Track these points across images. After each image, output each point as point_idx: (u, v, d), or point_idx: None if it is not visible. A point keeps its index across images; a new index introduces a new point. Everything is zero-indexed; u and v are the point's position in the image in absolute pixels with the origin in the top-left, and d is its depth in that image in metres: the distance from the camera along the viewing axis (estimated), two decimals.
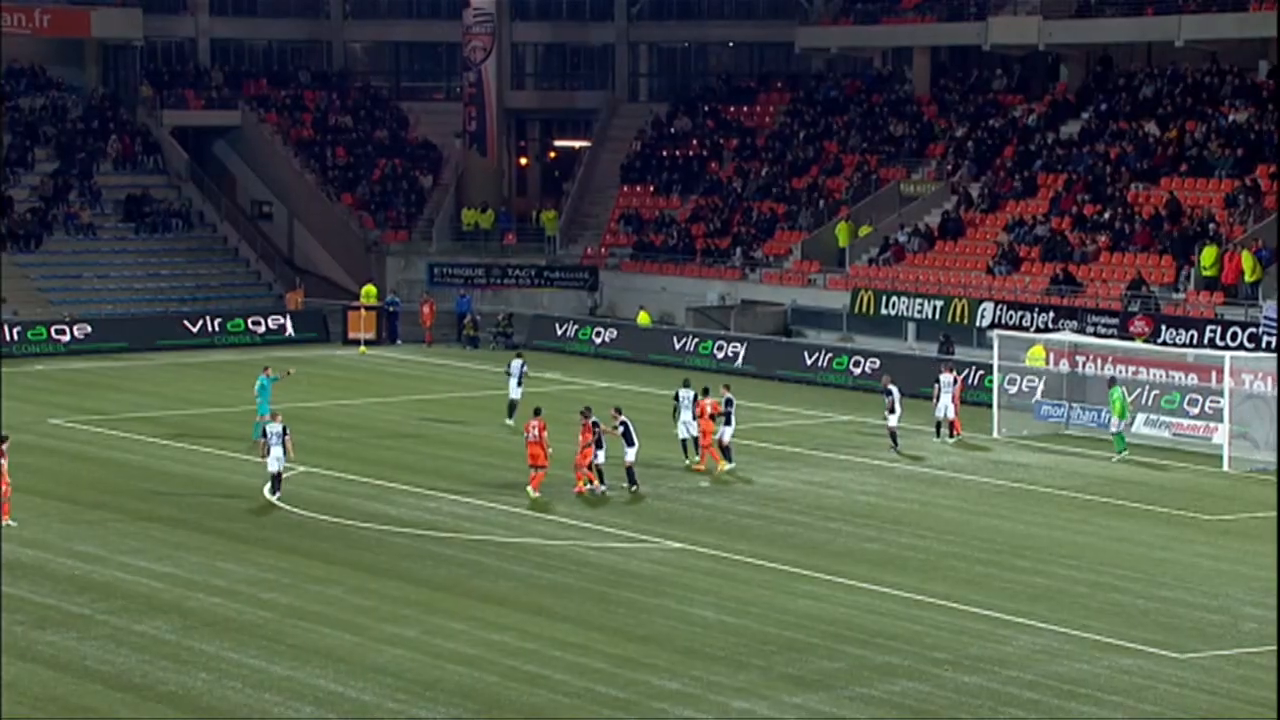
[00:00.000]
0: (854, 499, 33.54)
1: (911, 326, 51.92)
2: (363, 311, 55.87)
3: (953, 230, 55.13)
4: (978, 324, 49.69)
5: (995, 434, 39.39)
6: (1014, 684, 22.33)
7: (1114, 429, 37.31)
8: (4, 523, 29.71)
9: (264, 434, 32.23)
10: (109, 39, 66.40)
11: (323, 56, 71.43)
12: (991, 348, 41.83)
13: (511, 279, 61.51)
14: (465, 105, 65.98)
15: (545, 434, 32.71)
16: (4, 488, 29.71)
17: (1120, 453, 37.02)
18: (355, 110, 69.16)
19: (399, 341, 55.89)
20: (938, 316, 51.10)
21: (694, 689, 22.10)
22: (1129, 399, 37.54)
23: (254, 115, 66.83)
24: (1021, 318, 48.87)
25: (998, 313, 49.58)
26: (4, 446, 29.93)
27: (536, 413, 33.37)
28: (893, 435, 37.42)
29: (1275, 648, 22.56)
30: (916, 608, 25.80)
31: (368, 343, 54.83)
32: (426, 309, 54.65)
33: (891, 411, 37.29)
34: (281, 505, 31.37)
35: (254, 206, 67.54)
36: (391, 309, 56.65)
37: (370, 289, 57.88)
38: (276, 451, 31.79)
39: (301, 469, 35.13)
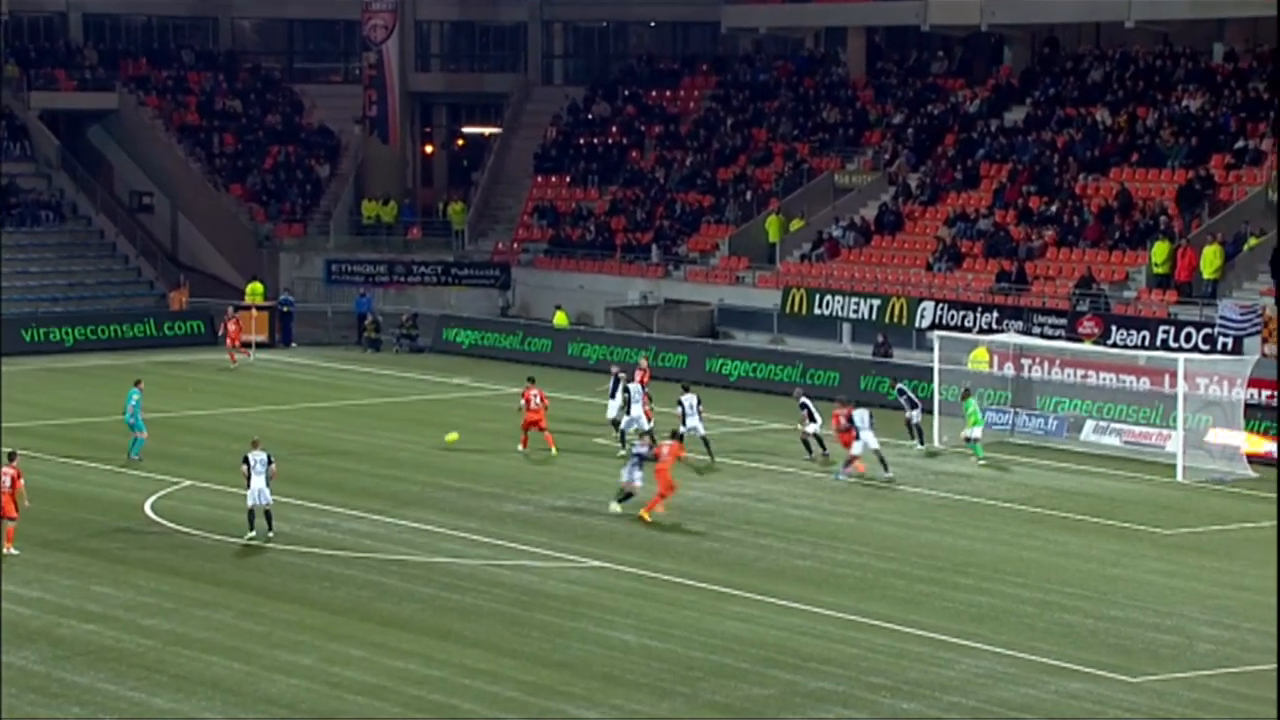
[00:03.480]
0: (786, 513, 33.71)
1: (847, 327, 52.25)
2: (253, 312, 55.53)
3: (890, 224, 55.52)
4: (917, 324, 50.07)
5: (936, 442, 39.72)
6: (956, 710, 22.54)
7: (972, 437, 38.21)
8: (5, 550, 29.22)
9: (245, 461, 30.21)
10: None
11: (208, 34, 70.92)
12: (932, 350, 42.15)
13: (416, 277, 61.28)
14: (365, 88, 65.75)
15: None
16: (13, 511, 29.18)
17: (980, 457, 38.22)
18: (245, 93, 68.71)
19: (293, 344, 55.60)
20: (875, 317, 51.44)
21: (615, 717, 22.13)
22: (979, 408, 38.77)
23: (132, 98, 66.20)
24: (964, 318, 49.28)
25: (938, 313, 49.98)
26: (15, 464, 29.53)
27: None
28: (808, 442, 37.77)
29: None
30: (853, 629, 25.96)
31: (259, 345, 54.48)
32: (233, 325, 51.99)
33: (812, 420, 37.56)
34: (269, 545, 30.30)
35: (133, 198, 66.89)
36: (285, 309, 56.35)
37: (257, 286, 57.49)
38: (258, 483, 30.04)
39: (187, 483, 34.84)
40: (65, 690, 22.88)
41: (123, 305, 57.80)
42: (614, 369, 40.65)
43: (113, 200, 64.47)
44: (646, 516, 32.37)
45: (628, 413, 38.58)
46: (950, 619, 26.55)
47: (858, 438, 36.26)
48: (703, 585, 28.34)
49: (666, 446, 33.05)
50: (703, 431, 38.06)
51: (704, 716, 22.26)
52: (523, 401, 38.84)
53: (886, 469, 36.27)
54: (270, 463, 30.51)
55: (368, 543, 31.01)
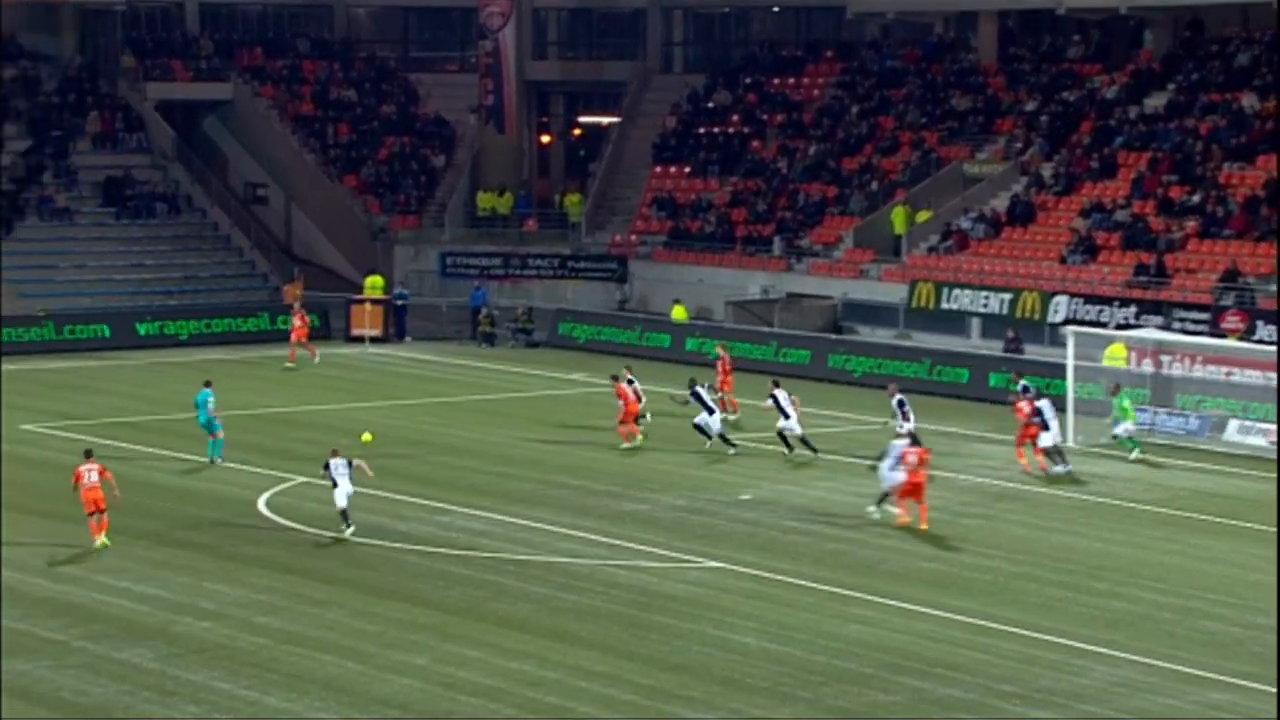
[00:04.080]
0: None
1: (976, 322, 51.84)
2: (368, 306, 56.06)
3: (1022, 215, 55.01)
4: (1050, 320, 49.60)
5: (1070, 442, 39.28)
6: None
7: (1124, 433, 38.14)
8: (98, 542, 29.90)
9: (326, 467, 31.08)
10: (87, 3, 66.71)
11: (323, 23, 71.64)
12: (1065, 346, 41.71)
13: (532, 270, 61.51)
14: (481, 77, 66.08)
15: None
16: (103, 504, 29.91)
17: (1133, 450, 38.06)
18: (359, 83, 69.36)
19: (407, 338, 56.07)
20: (1005, 311, 51.03)
21: None
22: (1132, 404, 38.66)
23: (247, 88, 67.09)
24: (1099, 313, 48.79)
25: (1072, 307, 49.50)
26: (92, 460, 30.33)
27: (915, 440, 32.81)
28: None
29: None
30: (981, 635, 25.74)
31: (374, 340, 55.01)
32: (298, 320, 51.28)
33: (906, 419, 37.36)
34: (383, 544, 30.60)
35: (247, 189, 67.79)
36: (400, 302, 56.84)
37: (376, 280, 58.06)
38: (345, 485, 30.87)
39: (300, 479, 35.26)
40: (179, 688, 23.23)
41: (237, 299, 58.58)
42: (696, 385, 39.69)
43: (227, 192, 65.37)
44: (925, 527, 31.72)
45: (785, 417, 38.17)
46: (1084, 625, 26.26)
47: (1046, 428, 36.15)
48: (824, 588, 28.24)
49: (913, 454, 31.90)
50: (799, 430, 38.12)
51: None
52: (619, 401, 39.05)
53: (1065, 460, 36.50)
54: (351, 465, 30.99)
55: (483, 541, 31.20)
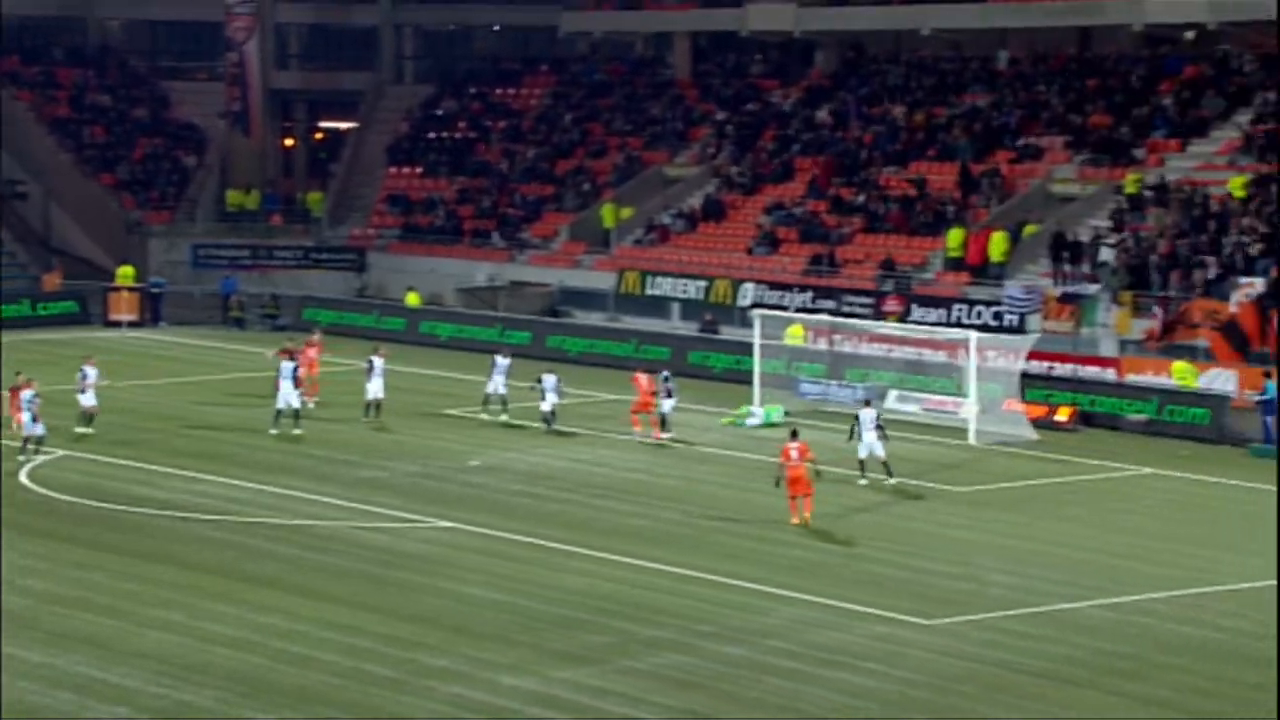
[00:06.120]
0: (621, 476, 33.77)
1: (676, 306, 52.47)
2: (124, 293, 54.38)
3: (714, 212, 55.81)
4: (740, 304, 50.43)
5: (756, 405, 39.99)
6: (775, 654, 22.76)
7: (752, 422, 38.27)
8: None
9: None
10: None
11: (78, 34, 69.07)
12: (753, 327, 42.50)
13: (278, 260, 60.61)
14: (228, 85, 64.59)
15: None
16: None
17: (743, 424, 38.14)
18: (113, 89, 67.08)
19: (162, 323, 54.60)
20: (701, 296, 51.74)
21: (464, 666, 22.04)
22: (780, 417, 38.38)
23: (5, 93, 64.28)
24: (781, 298, 49.72)
25: (758, 293, 50.38)
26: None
27: (794, 435, 30.22)
28: (663, 419, 37.37)
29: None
30: (682, 582, 26.09)
31: (131, 324, 53.39)
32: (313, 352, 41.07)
33: (670, 396, 37.04)
34: (142, 511, 29.36)
35: (7, 186, 65.00)
36: (156, 290, 55.38)
37: (127, 270, 56.31)
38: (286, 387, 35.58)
39: (61, 453, 34.00)
40: None
41: None
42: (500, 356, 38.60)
43: None
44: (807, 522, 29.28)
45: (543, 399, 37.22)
46: (770, 570, 26.79)
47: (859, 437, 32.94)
48: (546, 543, 28.31)
49: (794, 448, 29.34)
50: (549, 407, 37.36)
51: (547, 663, 22.23)
52: (636, 387, 36.83)
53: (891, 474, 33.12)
54: (296, 370, 35.85)
55: (235, 507, 30.51)
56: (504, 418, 38.25)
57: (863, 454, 33.10)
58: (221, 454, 35.17)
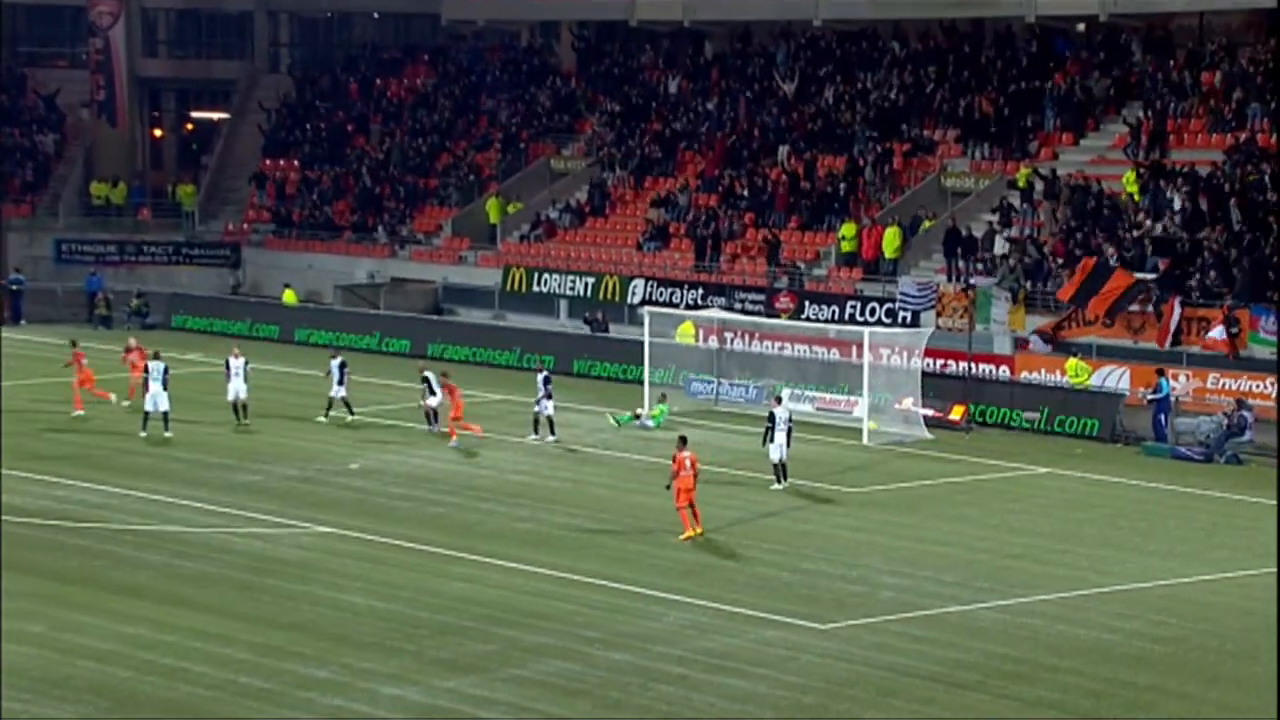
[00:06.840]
0: (506, 479, 33.68)
1: (564, 303, 52.39)
2: None
3: (602, 207, 55.81)
4: (629, 301, 50.48)
5: (647, 410, 40.06)
6: (663, 660, 22.80)
7: (639, 420, 38.37)
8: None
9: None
10: None
11: None
12: (643, 324, 42.55)
13: (147, 256, 59.88)
14: (92, 73, 63.57)
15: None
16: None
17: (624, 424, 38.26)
18: None
19: (23, 321, 53.64)
20: (590, 294, 51.71)
21: (343, 676, 21.84)
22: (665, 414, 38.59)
23: None
24: (672, 294, 49.85)
25: (649, 289, 50.47)
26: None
27: (683, 442, 28.99)
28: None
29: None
30: (569, 587, 26.07)
31: None
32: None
33: (549, 397, 37.16)
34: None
35: None
36: (15, 287, 54.40)
37: None
38: (156, 389, 36.24)
39: None
40: None
41: None
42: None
43: None
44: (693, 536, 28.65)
45: (432, 394, 37.43)
46: (659, 575, 26.84)
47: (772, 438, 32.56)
48: (428, 548, 28.15)
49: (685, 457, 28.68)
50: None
51: (430, 672, 22.10)
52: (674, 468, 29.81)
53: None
54: (167, 372, 36.29)
55: (100, 513, 30.01)
56: (350, 419, 38.09)
57: (775, 456, 32.71)
58: (86, 458, 34.58)
